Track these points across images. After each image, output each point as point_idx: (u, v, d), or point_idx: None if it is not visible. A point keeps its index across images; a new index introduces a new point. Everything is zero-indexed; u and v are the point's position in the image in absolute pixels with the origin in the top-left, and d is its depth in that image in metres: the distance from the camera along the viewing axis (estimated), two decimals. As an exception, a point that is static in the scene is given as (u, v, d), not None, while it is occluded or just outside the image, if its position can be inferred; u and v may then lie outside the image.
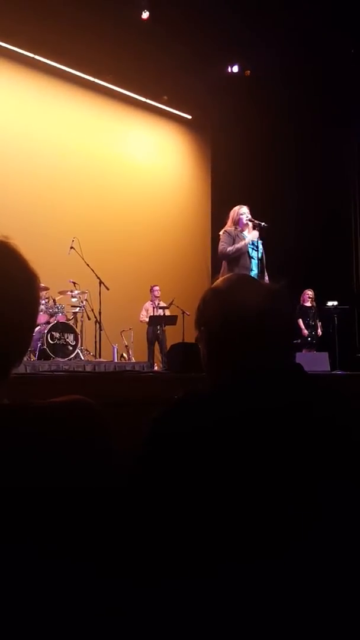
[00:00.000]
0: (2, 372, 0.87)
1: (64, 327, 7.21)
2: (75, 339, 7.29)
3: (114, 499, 0.84)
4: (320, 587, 0.84)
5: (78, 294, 7.84)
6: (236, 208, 5.02)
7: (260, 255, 4.89)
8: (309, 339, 8.47)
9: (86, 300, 7.87)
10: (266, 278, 4.85)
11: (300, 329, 8.43)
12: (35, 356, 6.90)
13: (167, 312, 8.40)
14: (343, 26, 8.04)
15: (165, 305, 8.44)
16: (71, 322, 7.59)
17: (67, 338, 7.19)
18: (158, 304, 8.46)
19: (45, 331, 6.94)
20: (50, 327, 7.01)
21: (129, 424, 1.12)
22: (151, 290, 8.63)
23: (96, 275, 7.66)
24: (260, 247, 4.92)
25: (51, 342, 6.99)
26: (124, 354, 8.61)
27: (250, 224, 4.92)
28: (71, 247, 7.69)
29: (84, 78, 9.47)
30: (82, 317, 7.90)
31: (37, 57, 8.79)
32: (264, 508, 0.86)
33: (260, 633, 0.83)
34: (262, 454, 0.88)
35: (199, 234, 10.75)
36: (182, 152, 11.31)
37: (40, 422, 0.82)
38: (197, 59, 9.04)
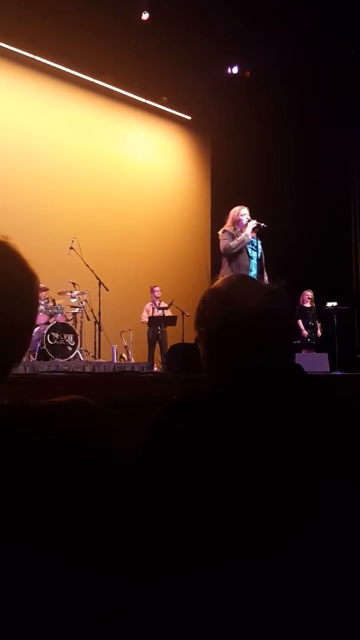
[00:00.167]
0: (1, 373, 0.86)
1: (63, 328, 7.22)
2: (75, 339, 7.29)
3: (114, 499, 0.84)
4: (320, 587, 0.84)
5: (77, 294, 7.85)
6: (237, 208, 5.03)
7: (259, 255, 4.90)
8: (309, 339, 8.48)
9: (86, 300, 7.88)
10: (265, 278, 4.86)
11: (300, 329, 8.43)
12: (34, 357, 6.90)
13: (169, 313, 8.40)
14: (343, 27, 8.05)
15: (165, 305, 8.44)
16: (71, 323, 7.60)
17: (67, 339, 7.20)
18: (159, 304, 8.46)
19: (45, 332, 6.94)
20: (49, 328, 7.02)
21: (128, 424, 1.12)
22: (152, 290, 8.63)
23: (96, 276, 7.66)
24: (260, 247, 4.93)
25: (50, 342, 6.99)
26: (124, 355, 8.61)
27: (248, 226, 4.93)
28: (71, 248, 7.70)
29: (83, 79, 9.48)
30: (81, 317, 7.91)
31: (37, 57, 8.80)
32: (264, 508, 0.86)
33: (260, 633, 0.83)
34: (261, 454, 0.88)
35: (199, 234, 10.75)
36: (181, 153, 11.31)
37: (39, 422, 0.82)
38: (196, 59, 9.05)
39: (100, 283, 7.70)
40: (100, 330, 7.65)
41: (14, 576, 0.74)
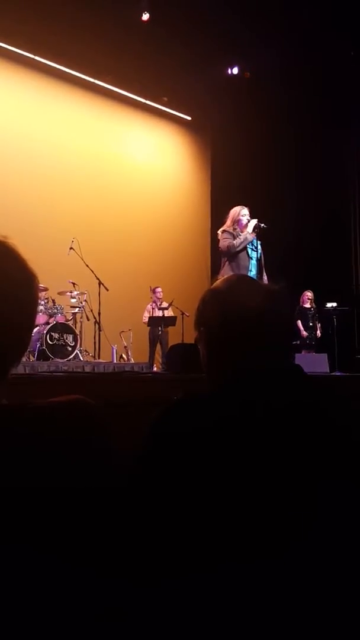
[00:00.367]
0: (1, 373, 0.86)
1: (63, 328, 7.22)
2: (75, 339, 7.29)
3: (114, 499, 0.84)
4: (320, 587, 0.84)
5: (77, 294, 7.85)
6: (237, 208, 5.02)
7: (259, 255, 4.91)
8: (308, 340, 8.48)
9: (85, 300, 7.88)
10: (265, 278, 4.86)
11: (299, 330, 8.44)
12: (34, 357, 6.90)
13: (170, 313, 8.40)
14: (342, 28, 8.05)
15: (164, 306, 8.44)
16: (70, 323, 7.60)
17: (66, 339, 7.20)
18: (160, 304, 8.46)
19: (45, 332, 6.95)
20: (49, 328, 7.02)
21: (128, 424, 1.12)
22: (154, 291, 8.63)
23: (95, 276, 7.66)
24: (259, 247, 4.93)
25: (50, 342, 6.99)
26: (123, 355, 8.61)
27: (249, 225, 4.94)
28: (70, 248, 7.70)
29: (83, 79, 9.48)
30: (81, 317, 7.91)
31: (37, 57, 8.80)
32: (264, 508, 0.86)
33: (260, 633, 0.83)
34: (261, 454, 0.88)
35: (199, 234, 10.75)
36: (181, 153, 11.32)
37: (39, 422, 0.82)
38: (197, 60, 9.05)
39: (100, 283, 7.70)
40: (100, 330, 7.65)
41: (14, 576, 0.74)
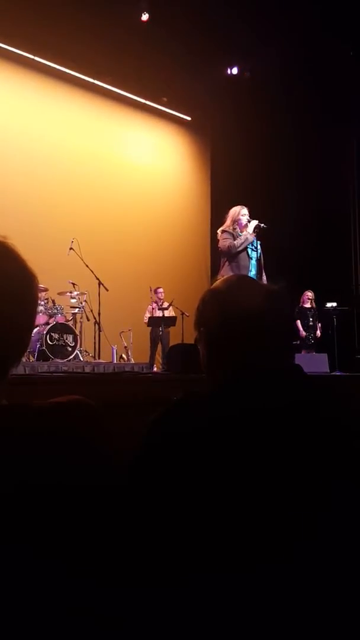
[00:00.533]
0: (1, 373, 0.86)
1: (63, 328, 7.21)
2: (75, 340, 7.29)
3: (113, 499, 0.83)
4: (321, 588, 0.84)
5: (77, 294, 7.85)
6: (237, 208, 5.02)
7: (258, 255, 4.91)
8: (307, 340, 8.48)
9: (85, 301, 7.88)
10: (264, 278, 4.86)
11: (298, 330, 8.44)
12: (34, 357, 6.90)
13: (171, 313, 8.40)
14: (342, 28, 8.05)
15: (165, 306, 8.45)
16: (70, 323, 7.60)
17: (66, 339, 7.19)
18: (161, 304, 8.47)
19: (44, 332, 6.94)
20: (49, 328, 7.01)
21: (128, 424, 1.11)
22: (155, 291, 8.63)
23: (95, 276, 7.66)
24: (259, 247, 4.93)
25: (50, 343, 6.99)
26: (123, 355, 8.61)
27: (249, 225, 4.94)
28: (70, 248, 7.70)
29: (83, 79, 9.48)
30: (81, 318, 7.91)
31: (36, 58, 8.80)
32: (264, 508, 0.86)
33: (262, 637, 0.82)
34: (261, 454, 0.88)
35: (199, 234, 10.75)
36: (181, 154, 11.31)
37: (39, 422, 0.82)
38: (196, 60, 9.05)
39: (100, 283, 7.70)
40: (100, 330, 7.64)
41: (14, 577, 0.74)
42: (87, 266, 7.63)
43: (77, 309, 7.85)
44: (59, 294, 7.74)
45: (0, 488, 0.75)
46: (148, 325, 8.39)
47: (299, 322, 8.47)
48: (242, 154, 9.75)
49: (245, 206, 5.08)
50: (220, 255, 5.10)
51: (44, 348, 6.90)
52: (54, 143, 9.14)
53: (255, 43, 8.68)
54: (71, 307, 7.86)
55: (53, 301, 7.59)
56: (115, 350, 8.24)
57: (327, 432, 0.93)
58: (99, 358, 7.65)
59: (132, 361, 8.41)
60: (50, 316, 7.31)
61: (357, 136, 9.85)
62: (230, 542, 0.85)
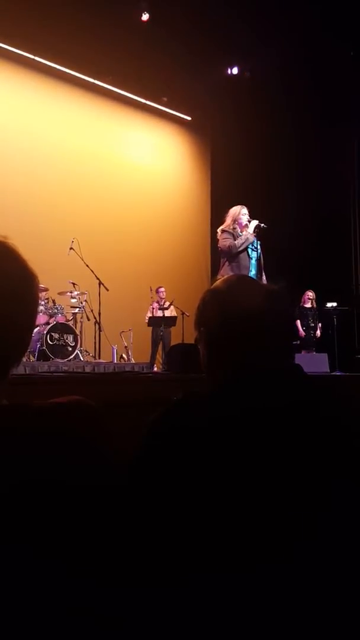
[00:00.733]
0: (1, 373, 0.86)
1: (63, 328, 7.21)
2: (75, 339, 7.29)
3: (114, 499, 0.84)
4: (321, 588, 0.84)
5: (77, 294, 7.85)
6: (237, 208, 5.02)
7: (258, 255, 4.91)
8: (307, 340, 8.48)
9: (86, 301, 7.88)
10: (264, 278, 4.86)
11: (297, 329, 8.44)
12: (34, 357, 6.90)
13: (172, 313, 8.40)
14: (342, 28, 8.05)
15: (164, 306, 8.45)
16: (70, 323, 7.60)
17: (67, 339, 7.19)
18: (163, 304, 8.47)
19: (45, 332, 6.94)
20: (49, 328, 7.01)
21: (128, 424, 1.12)
22: (156, 291, 8.64)
23: (95, 276, 7.66)
24: (259, 247, 4.94)
25: (50, 342, 6.99)
26: (124, 355, 8.61)
27: (249, 225, 4.94)
28: (70, 248, 7.70)
29: (83, 79, 9.48)
30: (81, 317, 7.91)
31: (36, 58, 8.80)
32: (265, 508, 0.86)
33: (260, 635, 0.83)
34: (261, 454, 0.88)
35: (199, 234, 10.75)
36: (181, 154, 11.31)
37: (39, 422, 0.82)
38: (196, 60, 9.05)
39: (100, 283, 7.70)
40: (100, 330, 7.64)
41: (14, 577, 0.74)
42: (87, 266, 7.63)
43: (78, 309, 7.85)
44: (59, 294, 7.74)
45: (1, 488, 0.75)
46: (148, 325, 8.39)
47: (298, 322, 8.47)
48: (242, 154, 9.75)
49: (245, 206, 5.08)
50: (220, 255, 5.10)
51: (44, 348, 6.89)
52: (54, 143, 9.14)
53: (255, 43, 8.68)
54: (71, 307, 7.86)
55: (53, 301, 7.59)
56: (115, 350, 8.24)
57: (327, 432, 0.93)
58: (99, 358, 7.65)
59: (132, 361, 8.41)
60: (51, 316, 7.31)
61: (357, 136, 9.84)
62: (230, 542, 0.85)
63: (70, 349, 7.18)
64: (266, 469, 0.87)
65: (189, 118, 11.04)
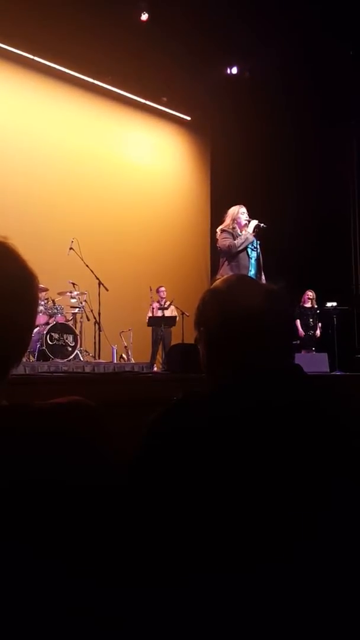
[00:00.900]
0: (1, 373, 0.86)
1: (63, 328, 7.21)
2: (75, 339, 7.29)
3: (114, 499, 0.84)
4: (321, 588, 0.84)
5: (77, 294, 7.85)
6: (236, 207, 5.03)
7: (257, 255, 4.92)
8: (307, 339, 8.49)
9: (85, 301, 7.88)
10: (263, 278, 4.86)
11: (297, 329, 8.44)
12: (34, 357, 6.90)
13: (173, 313, 8.40)
14: (342, 28, 8.05)
15: (165, 306, 8.45)
16: (70, 323, 7.59)
17: (67, 339, 7.19)
18: (164, 304, 8.47)
19: (45, 332, 6.94)
20: (49, 328, 7.01)
21: (128, 424, 1.11)
22: (157, 291, 8.64)
23: (95, 276, 7.66)
24: (258, 247, 4.94)
25: (50, 343, 6.99)
26: (123, 355, 8.61)
27: (248, 224, 4.94)
28: (70, 248, 7.70)
29: (83, 79, 9.48)
30: (81, 318, 7.91)
31: (36, 58, 8.80)
32: (264, 508, 0.86)
33: (260, 635, 0.83)
34: (261, 454, 0.88)
35: (199, 234, 10.75)
36: (181, 154, 11.31)
37: (39, 423, 0.82)
38: (196, 60, 9.04)
39: (100, 283, 7.70)
40: (100, 330, 7.64)
41: (14, 576, 0.74)
42: (87, 266, 7.63)
43: (77, 309, 7.85)
44: (59, 294, 7.74)
45: (1, 488, 0.75)
46: (148, 325, 8.39)
47: (298, 321, 8.47)
48: (242, 154, 9.75)
49: (244, 206, 5.08)
50: (220, 255, 5.10)
51: (44, 348, 6.89)
52: (54, 143, 9.14)
53: (255, 43, 8.68)
54: (71, 307, 7.86)
55: (53, 301, 7.59)
56: (115, 350, 8.24)
57: (327, 431, 0.93)
58: (99, 358, 7.65)
59: (132, 361, 8.41)
60: (50, 316, 7.31)
61: (357, 136, 9.84)
62: (230, 542, 0.85)
63: (70, 349, 7.18)
64: (266, 468, 0.87)
65: (188, 118, 11.04)
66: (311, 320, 8.64)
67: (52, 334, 7.04)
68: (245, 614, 0.83)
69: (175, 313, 8.39)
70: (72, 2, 7.67)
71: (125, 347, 8.66)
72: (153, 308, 8.49)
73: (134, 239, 9.82)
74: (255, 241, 4.93)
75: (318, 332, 8.68)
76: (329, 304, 8.62)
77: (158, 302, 8.57)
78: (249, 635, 0.83)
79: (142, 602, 0.84)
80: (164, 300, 8.57)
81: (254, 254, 4.91)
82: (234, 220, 4.96)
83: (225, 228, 4.97)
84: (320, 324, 8.71)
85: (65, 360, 6.99)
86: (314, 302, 8.76)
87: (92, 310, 7.70)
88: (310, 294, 8.71)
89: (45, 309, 7.29)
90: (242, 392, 0.96)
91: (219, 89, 9.91)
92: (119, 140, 10.21)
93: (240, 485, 0.87)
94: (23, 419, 0.81)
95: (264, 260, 4.99)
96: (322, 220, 9.26)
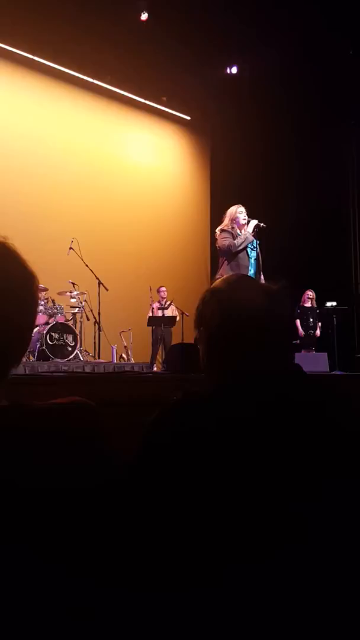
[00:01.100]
0: (1, 373, 0.86)
1: (63, 328, 7.21)
2: (75, 339, 7.29)
3: (113, 500, 0.84)
4: (321, 588, 0.84)
5: (77, 294, 7.85)
6: (234, 207, 5.03)
7: (257, 254, 4.92)
8: (306, 339, 8.49)
9: (85, 300, 7.88)
10: (262, 278, 4.86)
11: (297, 329, 8.44)
12: (34, 357, 6.90)
13: (173, 312, 8.40)
14: (341, 27, 8.05)
15: (165, 306, 8.45)
16: (70, 323, 7.59)
17: (66, 339, 7.19)
18: (164, 304, 8.47)
19: (44, 332, 6.94)
20: (49, 328, 7.01)
21: (128, 424, 1.11)
22: (158, 291, 8.64)
23: (95, 276, 7.66)
24: (258, 247, 4.94)
25: (50, 342, 6.98)
26: (123, 355, 8.61)
27: (247, 224, 4.94)
28: (70, 248, 7.70)
29: (83, 79, 9.48)
30: (81, 317, 7.91)
31: (36, 58, 8.80)
32: (264, 508, 0.86)
33: (262, 636, 0.83)
34: (261, 454, 0.88)
35: (199, 234, 10.75)
36: (181, 153, 11.31)
37: (39, 423, 0.82)
38: (196, 60, 9.04)
39: (99, 283, 7.70)
40: (100, 330, 7.64)
41: (14, 577, 0.74)
42: (87, 266, 7.63)
43: (77, 309, 7.85)
44: (59, 293, 7.74)
45: (1, 488, 0.75)
46: (148, 325, 8.39)
47: (298, 321, 8.47)
48: (242, 153, 9.75)
49: (244, 205, 5.08)
50: (219, 255, 5.10)
51: (44, 348, 6.89)
52: (53, 143, 9.14)
53: (254, 42, 8.67)
54: (71, 306, 7.86)
55: (53, 301, 7.59)
56: (115, 350, 8.24)
57: (327, 431, 0.93)
58: (99, 358, 7.65)
59: (132, 361, 8.41)
60: (50, 316, 7.31)
61: (357, 136, 9.84)
62: (229, 542, 0.85)
63: (70, 348, 7.18)
64: (266, 468, 0.87)
65: (188, 118, 11.04)
66: (311, 320, 8.64)
67: (52, 333, 7.04)
68: (245, 614, 0.83)
69: (175, 313, 8.39)
70: (72, 2, 7.67)
71: (125, 347, 8.67)
72: (153, 308, 8.49)
73: (134, 238, 9.82)
74: (254, 241, 4.93)
75: (318, 331, 8.68)
76: (328, 304, 8.62)
77: (158, 302, 8.57)
78: (249, 635, 0.83)
79: (142, 603, 0.84)
80: (164, 300, 8.57)
81: (253, 254, 4.91)
82: (233, 220, 4.95)
83: (224, 228, 4.97)
84: (320, 324, 8.71)
85: (65, 360, 6.99)
86: (314, 301, 8.76)
87: (92, 310, 7.70)
88: (310, 293, 8.71)
89: (45, 308, 7.29)
90: (242, 392, 0.96)
91: (219, 89, 9.91)
92: (119, 140, 10.21)
93: (241, 485, 0.87)
94: (23, 419, 0.81)
95: (263, 260, 4.99)
96: (321, 220, 9.27)
